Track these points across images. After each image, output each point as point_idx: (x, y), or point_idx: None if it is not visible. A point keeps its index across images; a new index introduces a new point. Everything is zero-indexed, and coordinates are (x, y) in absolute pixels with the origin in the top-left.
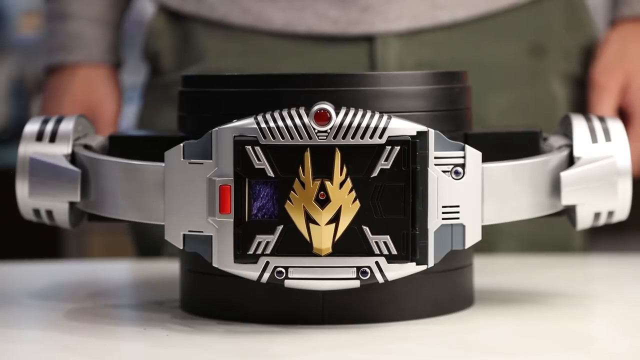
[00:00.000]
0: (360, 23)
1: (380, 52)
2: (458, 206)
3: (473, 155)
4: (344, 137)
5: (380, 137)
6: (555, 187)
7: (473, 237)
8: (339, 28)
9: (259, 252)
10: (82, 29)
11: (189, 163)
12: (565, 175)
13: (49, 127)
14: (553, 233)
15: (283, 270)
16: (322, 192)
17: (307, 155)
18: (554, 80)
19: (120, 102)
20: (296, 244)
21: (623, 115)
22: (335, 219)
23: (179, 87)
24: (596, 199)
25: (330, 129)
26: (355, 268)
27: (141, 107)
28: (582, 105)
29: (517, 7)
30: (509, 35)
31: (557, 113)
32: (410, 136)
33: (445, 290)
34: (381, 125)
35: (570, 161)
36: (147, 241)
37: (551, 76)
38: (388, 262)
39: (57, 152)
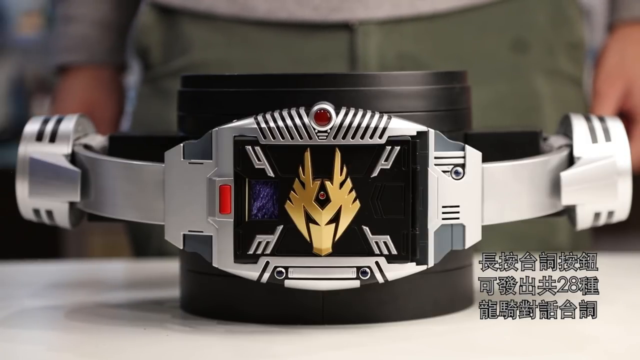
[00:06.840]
0: (341, 9)
1: (361, 43)
2: (458, 206)
3: (473, 155)
4: (344, 137)
5: (380, 137)
6: (555, 187)
7: (473, 237)
8: (320, 15)
9: (259, 252)
10: (85, 31)
11: (189, 163)
12: (565, 175)
13: (49, 127)
14: (536, 228)
15: (283, 270)
16: (322, 192)
17: (307, 155)
18: (537, 76)
19: (121, 105)
20: (296, 244)
21: (625, 119)
22: (335, 219)
23: (166, 80)
24: (596, 199)
25: (330, 129)
26: (355, 268)
27: (134, 103)
28: (568, 102)
29: (500, 1)
30: (492, 29)
31: (541, 108)
32: (410, 136)
33: (445, 290)
34: (381, 125)
35: (570, 161)
36: (143, 240)
37: (534, 72)
38: (388, 262)
39: (57, 152)
